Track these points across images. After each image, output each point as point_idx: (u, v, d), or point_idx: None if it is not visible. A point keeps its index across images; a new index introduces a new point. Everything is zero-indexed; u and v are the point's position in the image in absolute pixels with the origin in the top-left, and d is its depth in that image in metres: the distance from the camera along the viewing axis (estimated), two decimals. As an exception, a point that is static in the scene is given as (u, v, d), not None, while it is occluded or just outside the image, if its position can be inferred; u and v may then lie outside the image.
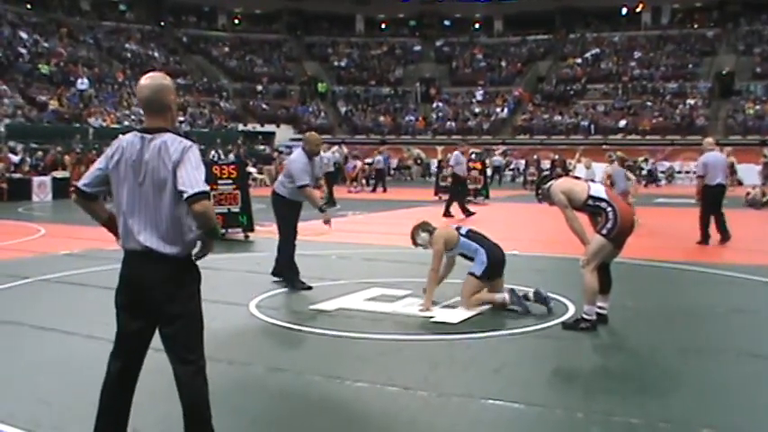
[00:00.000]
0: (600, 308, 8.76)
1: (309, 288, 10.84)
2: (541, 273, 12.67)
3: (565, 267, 12.65)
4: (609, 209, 8.50)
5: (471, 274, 9.53)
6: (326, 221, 11.21)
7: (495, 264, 9.56)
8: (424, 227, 9.90)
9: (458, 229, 9.88)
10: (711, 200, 16.18)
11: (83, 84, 44.79)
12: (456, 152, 24.26)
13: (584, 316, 8.59)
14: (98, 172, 4.73)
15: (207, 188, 4.48)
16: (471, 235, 9.78)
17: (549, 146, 49.59)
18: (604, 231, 8.49)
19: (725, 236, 16.13)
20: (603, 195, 8.66)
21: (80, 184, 4.78)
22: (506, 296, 9.45)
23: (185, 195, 4.39)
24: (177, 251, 4.53)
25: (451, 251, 9.74)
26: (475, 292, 9.48)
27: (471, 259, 9.63)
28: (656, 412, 5.87)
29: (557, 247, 14.50)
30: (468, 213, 22.71)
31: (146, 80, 4.74)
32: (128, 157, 4.57)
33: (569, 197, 8.67)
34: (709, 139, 17.50)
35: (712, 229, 16.13)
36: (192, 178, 4.41)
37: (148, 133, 4.60)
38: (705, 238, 16.16)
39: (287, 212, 11.11)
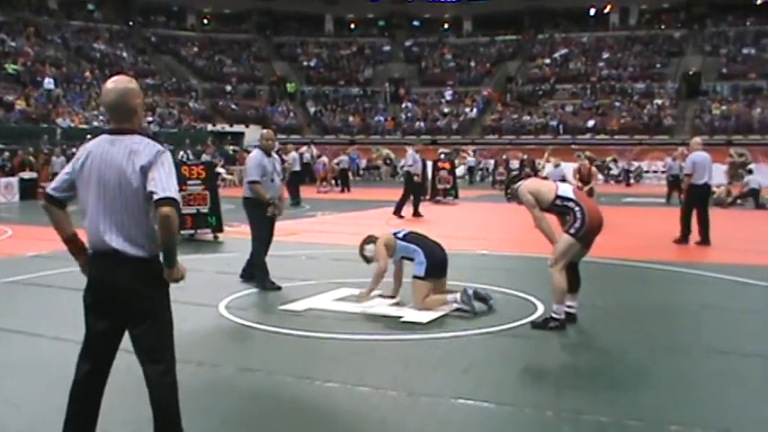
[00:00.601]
0: (569, 307, 8.80)
1: (279, 288, 10.84)
2: (510, 272, 12.73)
3: (534, 266, 12.70)
4: (577, 208, 8.56)
5: (415, 276, 9.55)
6: (274, 212, 11.14)
7: (436, 262, 9.58)
8: (369, 240, 10.01)
9: (396, 233, 9.90)
10: (697, 199, 16.14)
11: (49, 83, 44.46)
12: (411, 151, 24.21)
13: (554, 315, 8.63)
14: (66, 176, 4.70)
15: (178, 197, 4.46)
16: (409, 237, 9.82)
17: (517, 146, 49.68)
18: (572, 231, 8.55)
19: (706, 240, 16.04)
20: (571, 195, 8.72)
21: (49, 188, 4.75)
22: (458, 296, 9.48)
23: (155, 197, 4.36)
24: (144, 252, 4.51)
25: (393, 256, 9.78)
26: (426, 294, 9.47)
27: (412, 260, 9.67)
28: (625, 410, 5.91)
29: (526, 246, 14.56)
30: (399, 214, 22.42)
31: (111, 84, 4.70)
32: (94, 158, 4.55)
33: (537, 198, 8.72)
34: (697, 139, 17.47)
35: (693, 228, 16.14)
36: (165, 183, 4.40)
37: (117, 135, 4.58)
38: (685, 237, 16.16)
39: (257, 213, 11.09)
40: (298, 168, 28.87)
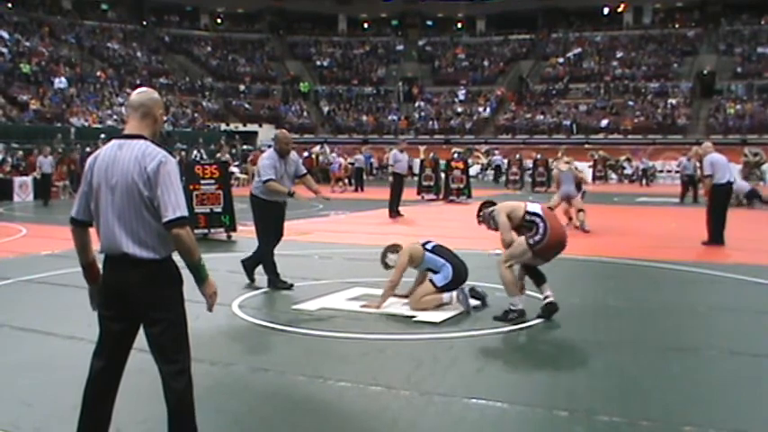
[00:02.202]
0: (546, 297, 9.08)
1: (290, 287, 10.84)
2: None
3: (546, 267, 12.65)
4: (541, 224, 8.90)
5: (432, 281, 9.57)
6: (309, 198, 11.25)
7: (459, 280, 9.61)
8: (393, 249, 9.92)
9: (424, 244, 9.86)
10: (720, 199, 15.98)
11: (61, 83, 44.51)
12: (394, 150, 24.10)
13: (511, 307, 8.90)
14: (83, 194, 4.71)
15: (186, 213, 4.49)
16: (438, 250, 9.79)
17: (531, 145, 49.65)
18: (531, 241, 8.91)
19: (719, 239, 15.79)
20: (539, 211, 9.05)
21: (71, 213, 4.75)
22: (453, 295, 9.50)
23: (164, 219, 4.41)
24: (155, 254, 4.51)
25: (419, 266, 9.74)
26: (424, 294, 9.51)
27: (436, 272, 9.64)
28: (638, 410, 5.90)
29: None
30: (397, 215, 22.66)
31: (137, 92, 4.82)
32: (102, 164, 4.56)
33: (511, 216, 9.11)
34: (708, 143, 17.23)
35: (704, 227, 16.01)
36: (175, 200, 4.44)
37: (126, 139, 4.61)
38: (719, 237, 15.88)
39: (263, 213, 11.07)
40: None
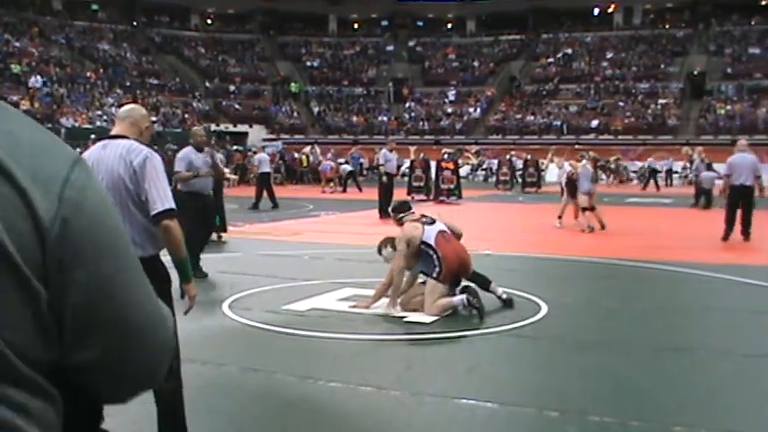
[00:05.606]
0: (499, 297, 9.52)
1: (205, 276, 11.38)
2: (514, 272, 12.69)
3: (538, 267, 12.69)
4: (434, 256, 9.20)
5: (426, 274, 9.56)
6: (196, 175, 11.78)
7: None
8: (393, 243, 9.91)
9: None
10: (734, 199, 16.67)
11: (36, 82, 44.28)
12: (383, 150, 24.02)
13: (465, 304, 9.06)
14: None
15: (174, 205, 4.54)
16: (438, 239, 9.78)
17: (521, 146, 49.63)
18: (434, 275, 9.19)
19: (745, 236, 16.63)
20: (431, 242, 9.29)
21: None
22: (464, 298, 9.49)
23: (152, 213, 4.48)
24: (142, 251, 4.48)
25: (413, 269, 9.71)
26: (439, 296, 9.46)
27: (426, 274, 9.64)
28: (629, 411, 5.89)
29: (529, 246, 14.56)
30: (387, 216, 22.50)
31: (126, 107, 4.99)
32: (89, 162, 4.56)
33: (409, 243, 9.34)
34: (743, 141, 18.00)
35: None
36: (162, 193, 4.50)
37: (110, 140, 4.67)
38: (726, 234, 16.67)
39: (187, 206, 11.29)
40: (267, 170, 27.59)
